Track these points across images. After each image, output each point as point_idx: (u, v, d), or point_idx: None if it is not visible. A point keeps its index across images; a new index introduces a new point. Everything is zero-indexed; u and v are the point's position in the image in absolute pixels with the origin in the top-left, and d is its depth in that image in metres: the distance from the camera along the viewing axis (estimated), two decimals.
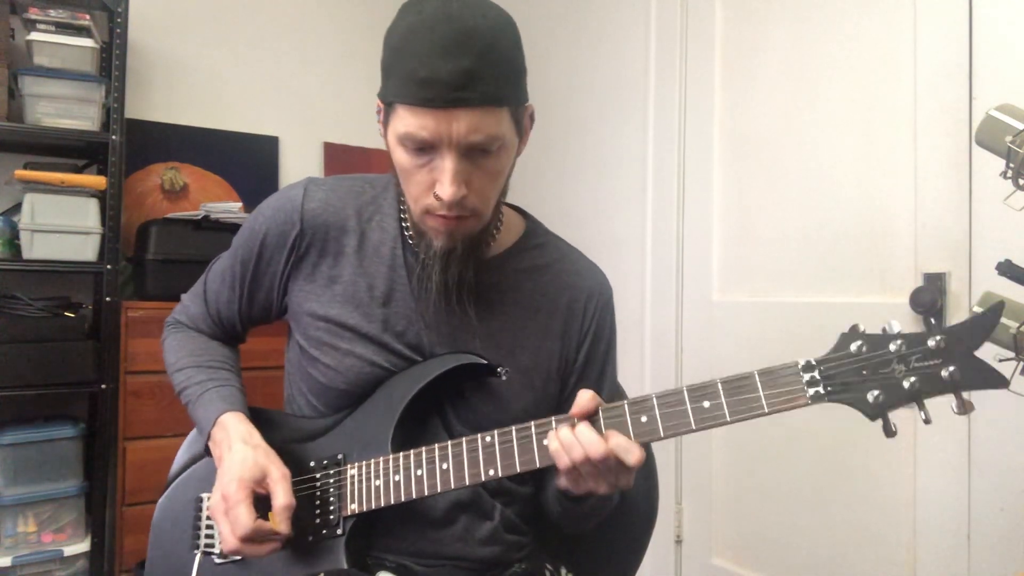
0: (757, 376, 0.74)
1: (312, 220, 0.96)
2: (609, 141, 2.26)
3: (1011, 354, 0.73)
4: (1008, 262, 0.79)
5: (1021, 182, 0.76)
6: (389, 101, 0.83)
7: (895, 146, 1.51)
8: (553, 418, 0.82)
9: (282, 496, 0.86)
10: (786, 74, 1.75)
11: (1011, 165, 0.76)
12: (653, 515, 1.14)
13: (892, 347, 0.71)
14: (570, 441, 0.78)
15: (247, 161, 2.68)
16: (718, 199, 1.92)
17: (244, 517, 0.83)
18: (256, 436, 0.92)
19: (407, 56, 0.78)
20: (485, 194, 0.86)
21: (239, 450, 0.88)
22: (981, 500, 1.33)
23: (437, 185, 0.82)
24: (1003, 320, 0.73)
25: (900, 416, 0.72)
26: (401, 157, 0.84)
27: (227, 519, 0.85)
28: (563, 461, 0.79)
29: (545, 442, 0.81)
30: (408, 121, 0.80)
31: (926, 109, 1.44)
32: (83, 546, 2.01)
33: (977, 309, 0.75)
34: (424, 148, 0.81)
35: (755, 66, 1.83)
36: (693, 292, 1.98)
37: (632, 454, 0.77)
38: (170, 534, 1.00)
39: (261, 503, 0.87)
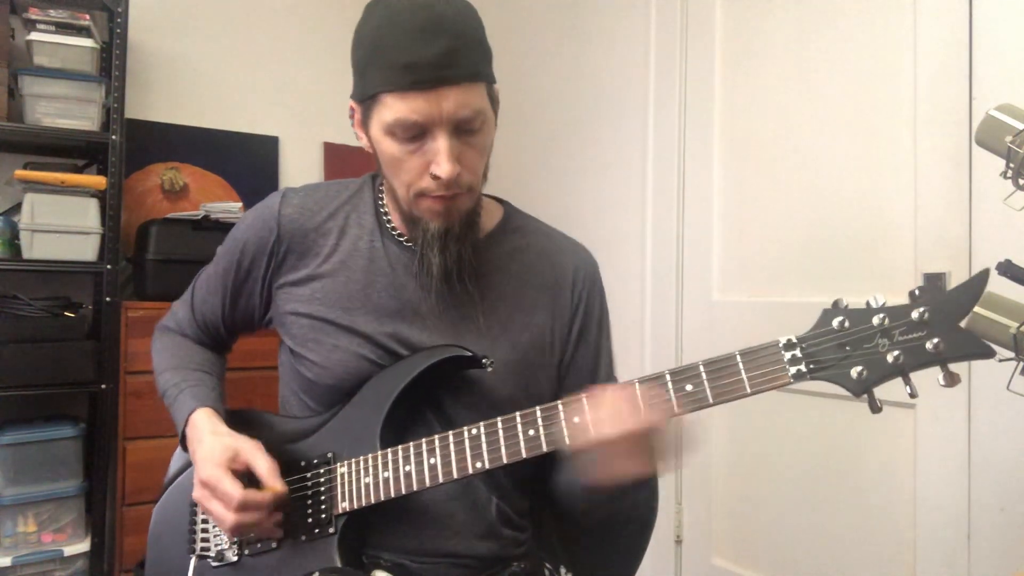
0: (739, 357, 0.75)
1: (289, 225, 0.98)
2: (609, 141, 2.26)
3: (1011, 354, 0.73)
4: (1008, 262, 0.79)
5: (1021, 182, 0.76)
6: (372, 94, 0.85)
7: (895, 146, 1.51)
8: (538, 408, 0.82)
9: (261, 461, 0.88)
10: (786, 74, 1.75)
11: (1011, 165, 0.76)
12: (652, 516, 1.13)
13: (875, 320, 0.70)
14: (612, 409, 0.75)
15: (247, 161, 2.68)
16: (718, 199, 1.92)
17: (231, 488, 0.85)
18: (223, 428, 0.94)
19: (386, 47, 0.82)
20: (476, 170, 0.89)
21: (207, 441, 0.91)
22: (981, 500, 1.33)
23: (433, 166, 0.84)
24: (1003, 320, 0.73)
25: (898, 415, 0.72)
26: (390, 147, 0.86)
27: (215, 499, 0.86)
28: (604, 430, 0.76)
29: (576, 419, 0.78)
30: (397, 108, 0.83)
31: (926, 109, 1.44)
32: (83, 546, 2.01)
33: (978, 309, 0.75)
34: (415, 133, 0.84)
35: (755, 66, 1.83)
36: (693, 292, 1.98)
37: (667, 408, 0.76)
38: (167, 539, 1.00)
39: (248, 478, 0.88)
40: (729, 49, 1.90)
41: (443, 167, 0.83)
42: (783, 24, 1.76)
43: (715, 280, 1.92)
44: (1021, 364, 0.72)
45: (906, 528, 1.45)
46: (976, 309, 0.75)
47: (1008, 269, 0.78)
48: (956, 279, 1.37)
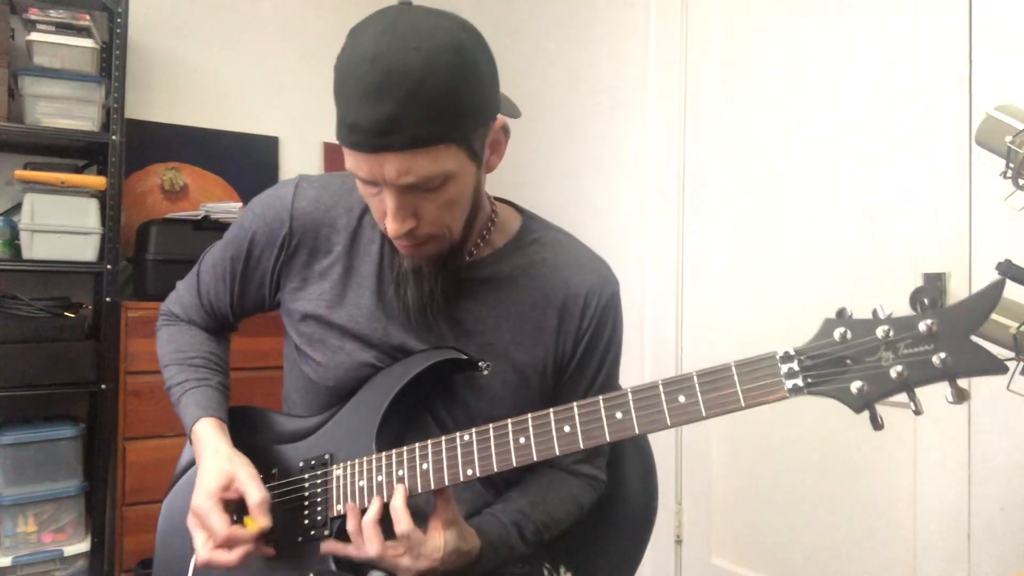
0: (735, 368, 0.71)
1: (302, 219, 0.96)
2: (609, 141, 2.26)
3: (1011, 354, 0.73)
4: (1008, 262, 0.79)
5: (1021, 182, 0.76)
6: None
7: (895, 146, 1.51)
8: (529, 415, 0.80)
9: (254, 492, 0.86)
10: (786, 74, 1.75)
11: (1011, 165, 0.76)
12: (652, 515, 1.14)
13: (879, 332, 0.66)
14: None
15: (247, 161, 2.68)
16: (718, 199, 1.92)
17: (218, 524, 0.84)
18: (224, 444, 0.92)
19: (340, 97, 0.79)
20: (440, 221, 0.84)
21: (207, 462, 0.90)
22: (981, 500, 1.33)
23: (385, 217, 0.82)
24: (1003, 320, 0.72)
25: (897, 415, 0.71)
26: (358, 185, 0.84)
27: (201, 530, 0.86)
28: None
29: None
30: (348, 160, 0.81)
31: (926, 109, 1.44)
32: (83, 546, 2.01)
33: None
34: (370, 181, 0.81)
35: (755, 66, 1.83)
36: (693, 292, 1.98)
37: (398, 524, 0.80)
38: (173, 533, 1.00)
39: (238, 506, 0.88)
40: (729, 49, 1.90)
41: (389, 224, 0.80)
42: (783, 24, 1.76)
43: (715, 280, 1.92)
44: (1021, 364, 0.72)
45: (906, 528, 1.45)
46: None
47: (1008, 269, 0.78)
48: (956, 279, 1.37)
